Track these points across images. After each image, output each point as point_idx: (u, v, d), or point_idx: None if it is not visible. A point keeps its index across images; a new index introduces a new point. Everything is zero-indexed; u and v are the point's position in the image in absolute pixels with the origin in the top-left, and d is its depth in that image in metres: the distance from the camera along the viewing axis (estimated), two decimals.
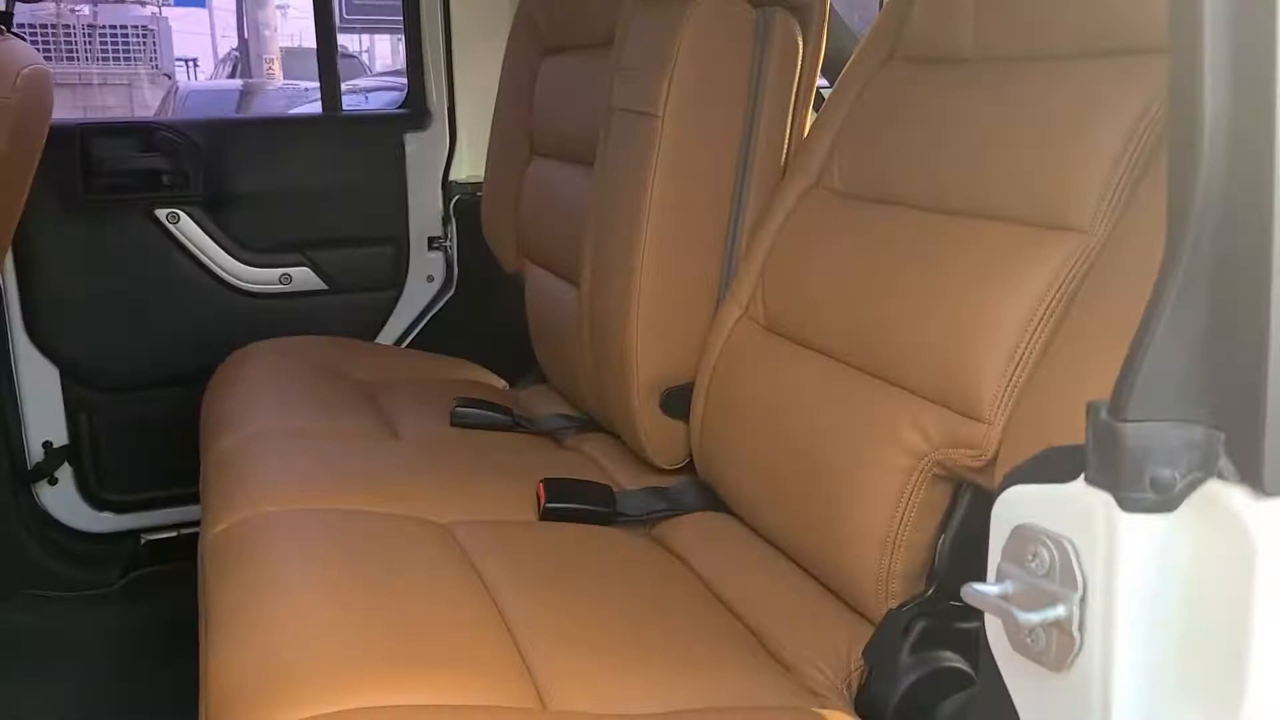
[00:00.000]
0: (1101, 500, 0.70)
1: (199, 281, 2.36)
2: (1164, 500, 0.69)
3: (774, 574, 1.39)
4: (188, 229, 2.33)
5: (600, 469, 1.76)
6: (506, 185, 2.28)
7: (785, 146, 1.61)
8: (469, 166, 2.55)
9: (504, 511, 1.53)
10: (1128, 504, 0.69)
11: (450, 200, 2.54)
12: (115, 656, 2.09)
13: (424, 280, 2.54)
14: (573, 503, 1.54)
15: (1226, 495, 0.67)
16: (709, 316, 1.62)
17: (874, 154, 1.46)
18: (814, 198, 1.53)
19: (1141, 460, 0.69)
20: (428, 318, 2.55)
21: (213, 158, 2.33)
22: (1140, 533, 0.69)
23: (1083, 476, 0.72)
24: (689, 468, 1.68)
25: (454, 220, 2.54)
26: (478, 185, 2.47)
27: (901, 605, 1.20)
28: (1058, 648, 0.74)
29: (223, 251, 2.36)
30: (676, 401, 1.64)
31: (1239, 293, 0.65)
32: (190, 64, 20.09)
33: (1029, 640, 0.76)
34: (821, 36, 1.61)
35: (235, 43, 16.04)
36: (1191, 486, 0.68)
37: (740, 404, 1.52)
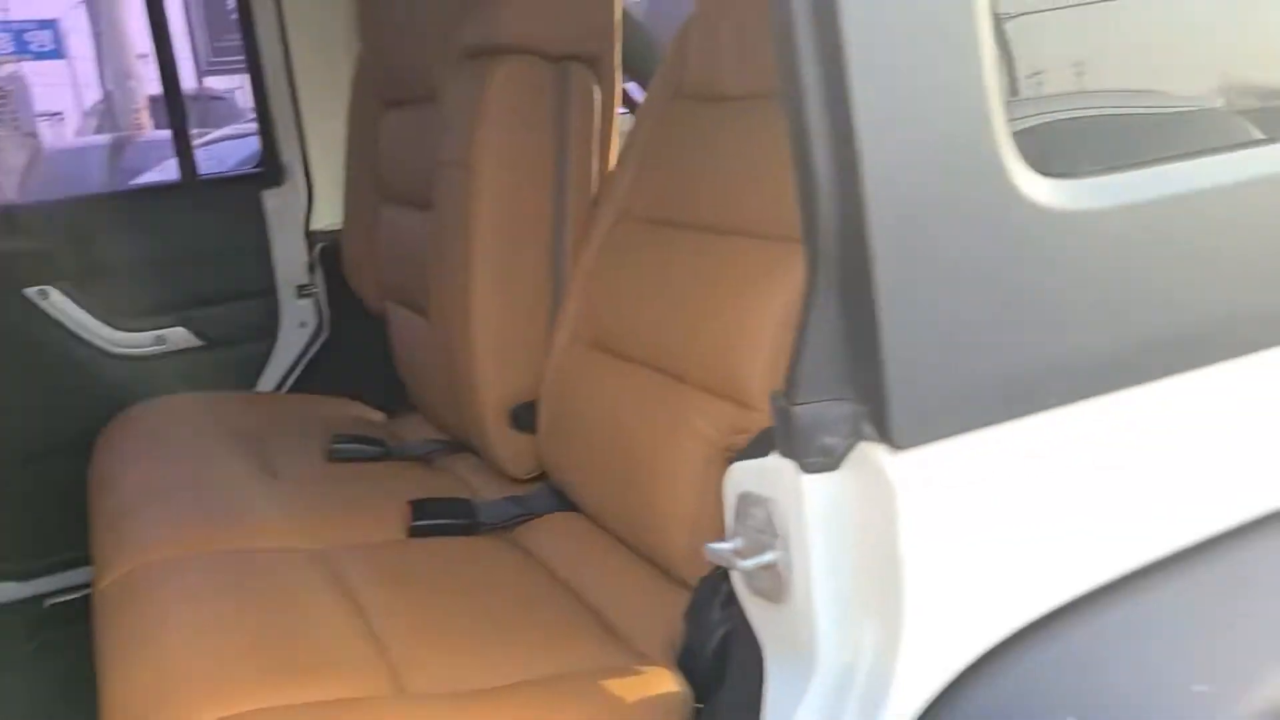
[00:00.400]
0: (788, 467, 0.91)
1: (76, 352, 2.47)
2: (830, 462, 0.90)
3: (612, 560, 1.59)
4: (59, 303, 2.43)
5: (465, 485, 1.93)
6: (363, 231, 2.44)
7: (594, 181, 1.81)
8: (329, 214, 2.70)
9: (376, 534, 1.70)
10: (806, 467, 0.90)
11: (314, 248, 2.68)
12: None
13: (297, 327, 2.68)
14: (436, 518, 1.71)
15: (872, 453, 0.88)
16: (545, 338, 1.82)
17: (665, 183, 1.67)
18: (622, 226, 1.73)
19: (811, 433, 0.90)
20: (304, 362, 2.69)
21: (77, 234, 2.44)
22: (817, 489, 0.90)
23: (776, 451, 0.93)
24: (544, 475, 1.87)
25: (320, 267, 2.68)
26: (339, 232, 2.62)
27: (712, 572, 1.41)
28: (774, 585, 0.95)
29: (95, 320, 2.47)
30: (524, 417, 1.83)
31: (857, 300, 0.87)
32: (55, 118, 19.56)
33: (756, 582, 0.97)
34: (615, 82, 1.82)
35: (99, 92, 15.71)
36: (848, 449, 0.90)
37: (576, 414, 1.71)
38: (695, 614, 1.38)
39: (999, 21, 1.06)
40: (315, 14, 2.57)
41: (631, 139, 1.77)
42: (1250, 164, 1.04)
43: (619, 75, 1.81)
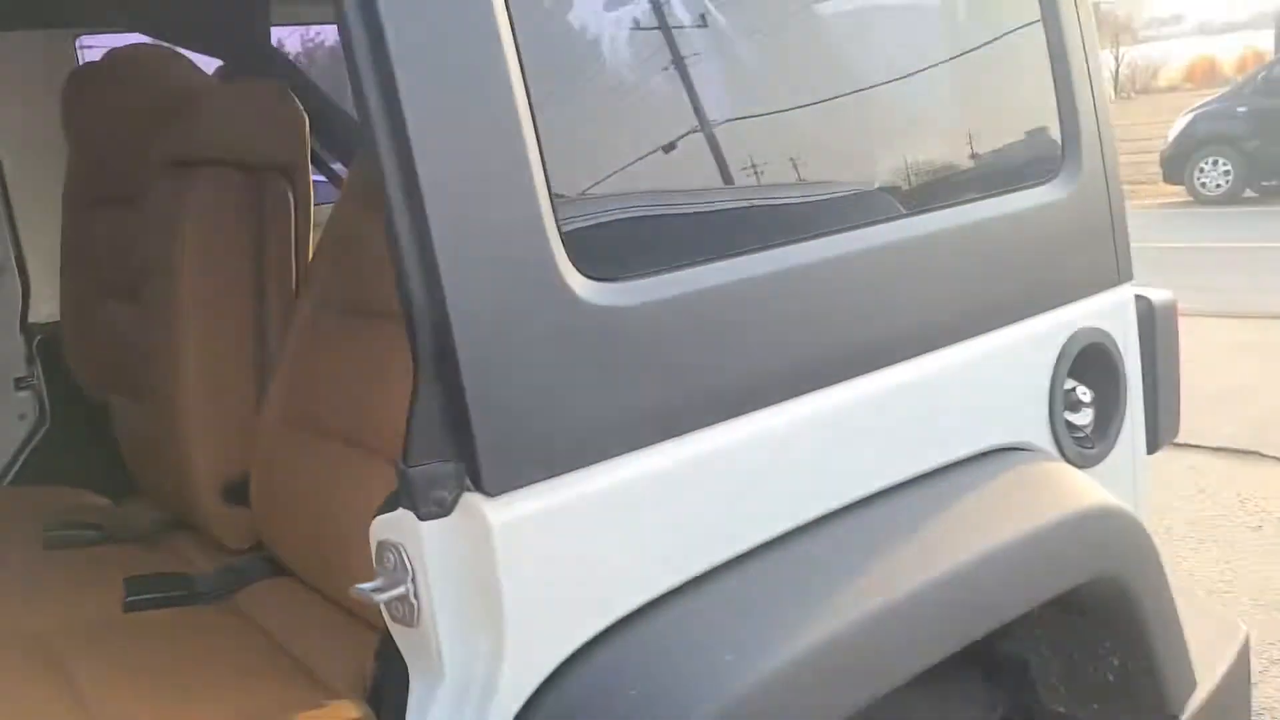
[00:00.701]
0: (410, 517, 1.14)
1: None
2: (443, 510, 1.14)
3: (316, 615, 1.77)
4: None
5: (185, 560, 2.06)
6: (82, 323, 2.52)
7: (295, 276, 2.01)
8: (48, 307, 2.74)
9: (92, 614, 1.81)
10: (423, 516, 1.14)
11: (32, 340, 2.71)
12: None
13: (16, 419, 2.69)
14: (151, 593, 1.84)
15: (473, 500, 1.13)
16: (254, 418, 1.98)
17: (355, 276, 1.88)
18: (320, 315, 1.93)
19: (425, 489, 1.13)
20: (25, 454, 2.70)
21: None
22: (433, 533, 1.14)
23: (402, 505, 1.16)
24: (260, 545, 2.02)
25: (39, 359, 2.71)
26: (59, 322, 2.67)
27: None
28: (408, 613, 1.17)
29: None
30: (238, 492, 1.98)
31: (450, 383, 1.11)
32: None
33: (395, 612, 1.19)
34: (308, 186, 2.03)
35: None
36: (456, 499, 1.14)
37: (283, 487, 1.89)
38: (384, 650, 1.59)
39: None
40: (21, 107, 2.63)
41: (326, 236, 1.98)
42: (794, 255, 1.35)
43: (310, 180, 2.02)
